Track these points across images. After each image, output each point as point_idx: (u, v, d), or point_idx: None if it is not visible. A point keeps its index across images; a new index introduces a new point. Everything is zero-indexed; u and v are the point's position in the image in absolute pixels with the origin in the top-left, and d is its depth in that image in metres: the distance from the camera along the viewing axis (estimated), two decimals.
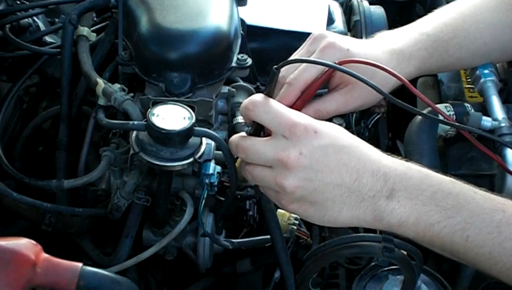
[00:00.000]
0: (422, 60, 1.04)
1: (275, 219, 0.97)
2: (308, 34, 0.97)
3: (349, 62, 0.85)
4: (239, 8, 1.17)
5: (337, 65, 0.84)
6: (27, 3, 1.22)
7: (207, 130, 0.91)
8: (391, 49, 1.00)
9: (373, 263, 1.01)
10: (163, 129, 0.86)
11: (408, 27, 1.08)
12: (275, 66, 0.81)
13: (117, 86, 1.01)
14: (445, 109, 1.13)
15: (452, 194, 0.78)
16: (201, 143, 0.92)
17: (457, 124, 1.07)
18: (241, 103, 0.86)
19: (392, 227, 0.79)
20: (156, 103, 0.91)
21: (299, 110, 0.85)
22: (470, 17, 1.09)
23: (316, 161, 0.77)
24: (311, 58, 0.90)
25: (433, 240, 0.79)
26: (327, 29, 1.31)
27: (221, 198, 1.01)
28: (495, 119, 1.08)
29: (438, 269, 1.05)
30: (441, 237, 0.78)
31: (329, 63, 0.84)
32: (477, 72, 1.14)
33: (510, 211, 0.77)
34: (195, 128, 0.88)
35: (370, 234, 0.92)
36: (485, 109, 1.11)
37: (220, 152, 0.92)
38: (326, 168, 0.77)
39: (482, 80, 1.13)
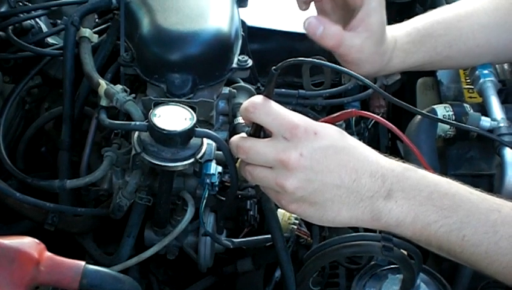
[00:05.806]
0: (408, 54, 1.07)
1: (276, 219, 0.97)
2: None
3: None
4: (240, 9, 1.18)
5: (336, 65, 0.85)
6: (29, 5, 1.22)
7: (208, 130, 0.91)
8: (390, 35, 1.03)
9: (373, 262, 1.01)
10: (165, 130, 0.86)
11: (403, 22, 1.10)
12: (274, 67, 0.81)
13: (119, 87, 1.01)
14: (444, 109, 1.13)
15: (448, 194, 0.79)
16: (202, 143, 0.92)
17: (456, 122, 1.07)
18: (241, 103, 0.86)
19: (389, 227, 0.80)
20: (157, 104, 0.92)
21: None
22: (465, 18, 1.10)
23: (316, 162, 0.78)
24: (310, 59, 0.90)
25: (430, 239, 0.79)
26: None
27: (222, 198, 1.02)
28: (494, 120, 1.08)
29: (437, 268, 1.05)
30: (438, 237, 0.78)
31: (327, 63, 0.85)
32: (477, 72, 1.15)
33: (505, 211, 0.78)
34: (197, 129, 0.89)
35: (370, 233, 0.92)
36: (484, 109, 1.12)
37: (221, 152, 0.93)
38: (326, 169, 0.78)
39: (481, 80, 1.14)
